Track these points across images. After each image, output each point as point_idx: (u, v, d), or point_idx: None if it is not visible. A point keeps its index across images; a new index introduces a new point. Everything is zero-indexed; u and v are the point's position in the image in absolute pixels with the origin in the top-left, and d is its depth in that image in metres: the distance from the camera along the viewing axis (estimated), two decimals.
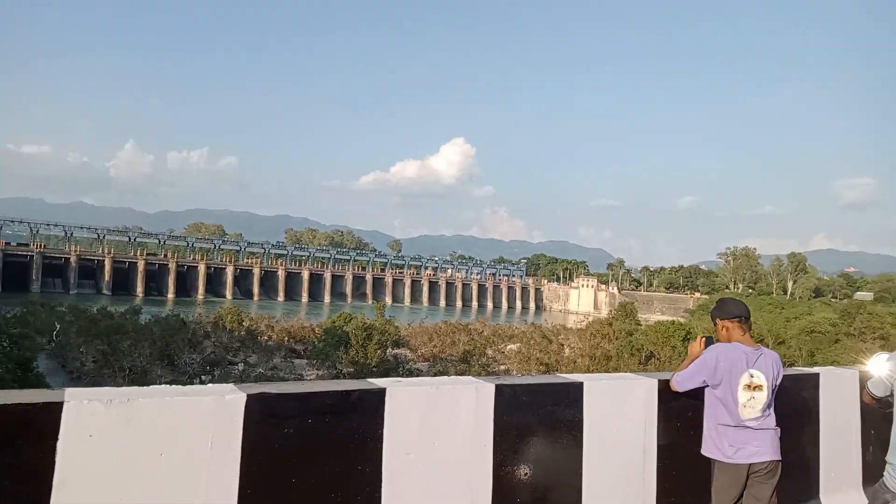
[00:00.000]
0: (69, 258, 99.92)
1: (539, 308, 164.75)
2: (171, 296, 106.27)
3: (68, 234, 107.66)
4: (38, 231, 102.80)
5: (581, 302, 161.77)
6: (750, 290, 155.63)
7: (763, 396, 3.94)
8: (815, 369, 5.86)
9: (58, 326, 43.08)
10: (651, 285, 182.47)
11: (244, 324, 52.23)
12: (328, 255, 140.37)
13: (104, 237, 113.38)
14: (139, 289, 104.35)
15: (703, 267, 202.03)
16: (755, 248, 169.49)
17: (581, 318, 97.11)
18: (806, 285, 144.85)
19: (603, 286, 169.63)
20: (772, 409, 4.05)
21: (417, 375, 43.12)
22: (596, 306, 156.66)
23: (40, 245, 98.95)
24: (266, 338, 51.41)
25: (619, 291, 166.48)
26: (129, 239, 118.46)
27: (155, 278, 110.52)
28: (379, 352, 40.29)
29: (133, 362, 37.18)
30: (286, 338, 51.43)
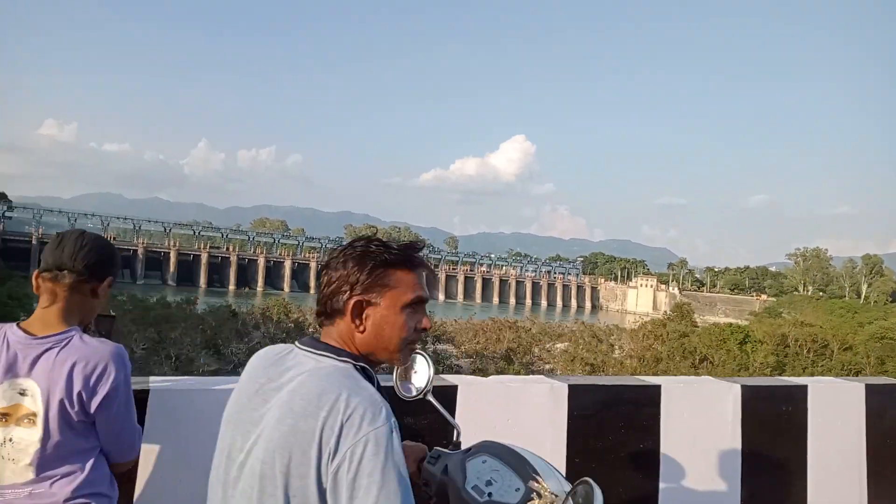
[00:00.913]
0: (136, 250, 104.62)
1: (595, 307, 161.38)
2: (231, 287, 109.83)
3: (137, 228, 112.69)
4: (108, 224, 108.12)
5: (639, 302, 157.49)
6: (820, 293, 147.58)
7: (32, 437, 1.92)
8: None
9: (113, 314, 44.81)
10: (714, 286, 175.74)
11: (291, 315, 53.10)
12: None
13: (171, 230, 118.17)
14: (202, 280, 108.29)
15: (772, 268, 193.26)
16: (826, 249, 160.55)
17: (638, 318, 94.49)
18: (882, 289, 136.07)
19: (663, 286, 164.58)
20: (72, 468, 2.00)
21: (457, 372, 42.72)
22: (655, 307, 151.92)
23: (110, 237, 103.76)
24: (312, 330, 52.14)
25: (680, 292, 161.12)
26: (194, 232, 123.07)
27: (217, 270, 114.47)
28: (420, 346, 40.08)
29: (180, 350, 38.42)
30: None
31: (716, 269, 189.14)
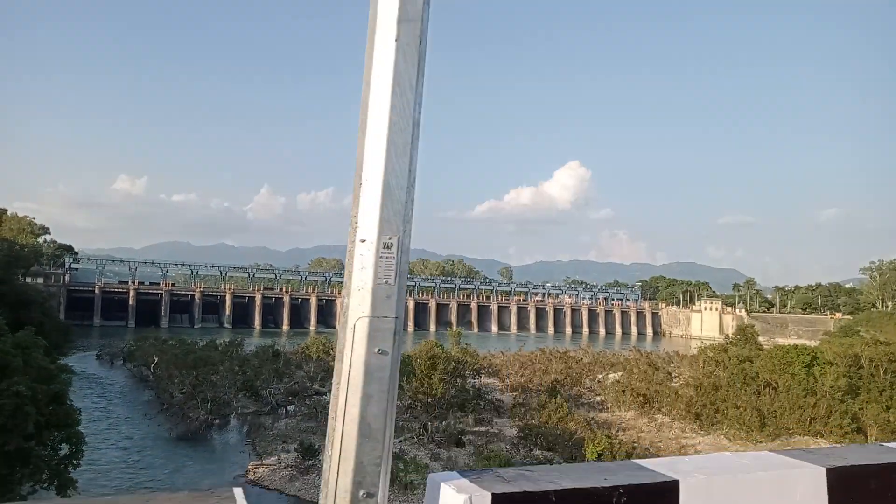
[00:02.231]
0: (194, 295, 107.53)
1: (657, 334, 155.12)
2: (285, 327, 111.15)
3: (195, 273, 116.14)
4: (167, 270, 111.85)
5: (704, 326, 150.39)
6: None
7: None
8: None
9: (156, 359, 45.41)
10: (784, 306, 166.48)
11: (331, 353, 52.68)
12: (433, 284, 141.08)
13: (227, 274, 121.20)
14: (257, 321, 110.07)
15: (847, 284, 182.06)
16: None
17: (703, 344, 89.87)
18: None
19: (729, 309, 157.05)
20: None
21: (497, 407, 40.90)
22: (722, 331, 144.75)
23: (169, 284, 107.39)
24: None
25: (748, 314, 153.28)
26: (249, 275, 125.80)
27: (271, 311, 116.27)
28: (458, 381, 38.60)
29: (217, 394, 38.25)
30: None
31: (786, 289, 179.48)
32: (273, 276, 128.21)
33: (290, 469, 25.98)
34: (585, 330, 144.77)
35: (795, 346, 48.13)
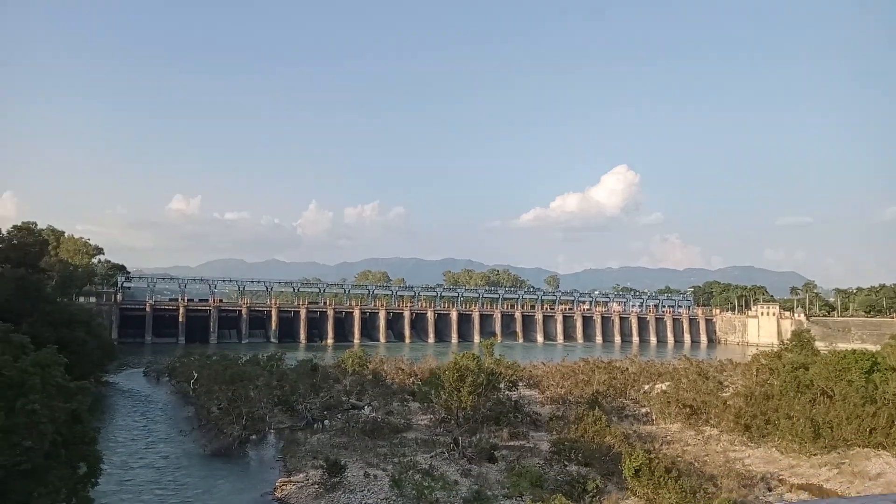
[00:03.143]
0: (241, 311, 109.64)
1: (712, 341, 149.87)
2: (330, 341, 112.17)
3: (241, 289, 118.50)
4: (215, 287, 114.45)
5: (761, 332, 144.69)
6: None
7: None
8: None
9: (195, 375, 45.97)
10: (846, 309, 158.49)
11: (369, 366, 52.41)
12: (476, 295, 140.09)
13: (272, 289, 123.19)
14: (302, 335, 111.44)
15: None
16: None
17: (760, 351, 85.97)
18: None
19: (787, 313, 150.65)
20: None
21: (535, 420, 39.64)
22: (780, 336, 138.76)
23: (217, 300, 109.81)
24: (391, 380, 50.98)
25: (808, 318, 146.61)
26: (294, 289, 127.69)
27: (316, 325, 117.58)
28: (492, 393, 37.60)
29: (252, 409, 38.31)
30: (410, 379, 50.48)
31: (847, 291, 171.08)
32: (318, 290, 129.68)
33: (316, 486, 25.52)
34: (635, 339, 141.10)
35: (854, 351, 45.13)
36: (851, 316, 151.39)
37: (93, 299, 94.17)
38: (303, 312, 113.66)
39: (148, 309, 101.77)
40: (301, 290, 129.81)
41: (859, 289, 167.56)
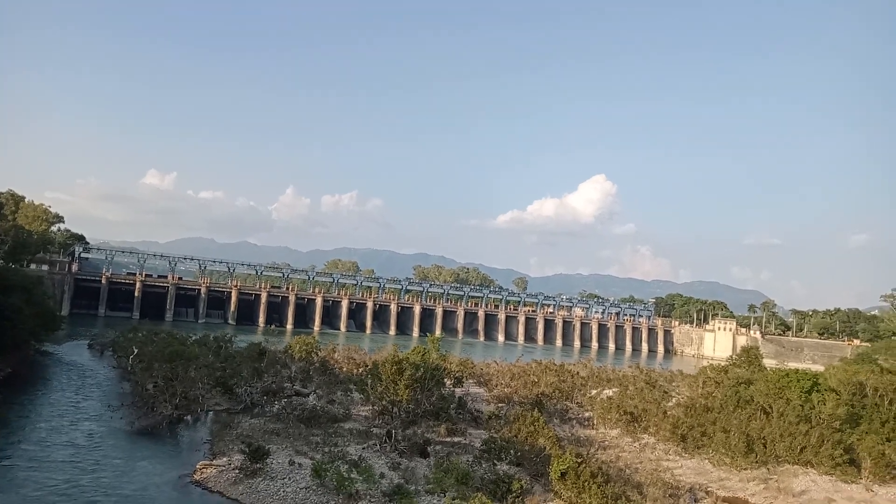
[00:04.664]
0: (200, 290, 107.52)
1: (668, 352, 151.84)
2: (289, 326, 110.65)
3: (202, 268, 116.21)
4: (176, 264, 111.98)
5: (717, 346, 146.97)
6: None
7: None
8: None
9: (135, 350, 44.71)
10: (801, 330, 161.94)
11: (318, 354, 51.61)
12: (442, 291, 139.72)
13: (233, 271, 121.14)
14: (261, 319, 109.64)
15: (874, 311, 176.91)
16: None
17: (711, 364, 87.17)
18: None
19: (743, 329, 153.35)
20: None
21: (476, 418, 39.40)
22: (734, 351, 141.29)
23: (176, 278, 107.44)
24: (340, 369, 50.31)
25: (763, 336, 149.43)
26: (256, 272, 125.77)
27: (277, 310, 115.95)
28: (436, 389, 37.18)
29: (188, 388, 37.30)
30: (360, 369, 49.81)
31: (804, 312, 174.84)
32: (281, 274, 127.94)
33: (236, 471, 24.85)
34: (594, 344, 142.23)
35: (796, 371, 45.93)
36: (805, 337, 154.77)
37: (45, 267, 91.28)
38: (263, 296, 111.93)
39: (103, 281, 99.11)
40: (264, 273, 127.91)
41: (815, 311, 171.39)
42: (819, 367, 78.69)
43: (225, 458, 26.72)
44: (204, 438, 32.07)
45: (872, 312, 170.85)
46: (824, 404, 38.90)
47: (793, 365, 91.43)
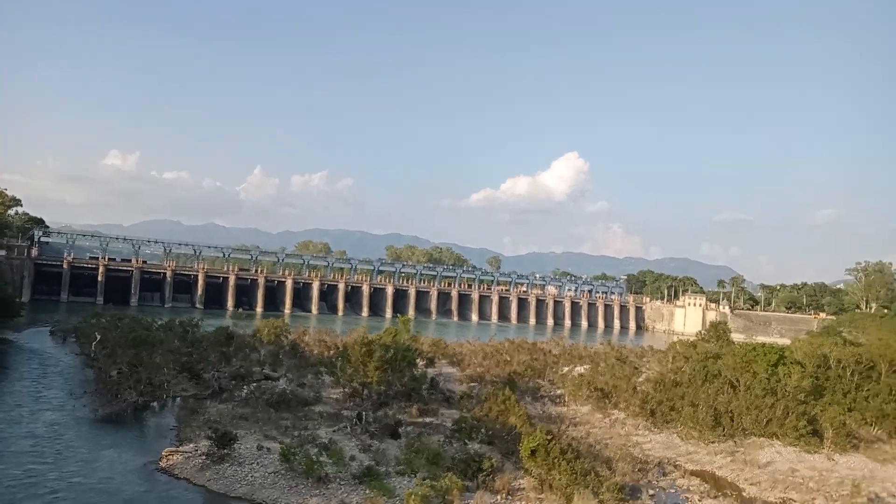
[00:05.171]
0: (165, 273, 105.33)
1: (640, 328, 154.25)
2: (259, 310, 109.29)
3: (167, 251, 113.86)
4: (139, 248, 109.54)
5: (687, 322, 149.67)
6: (885, 310, 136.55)
7: None
8: None
9: (98, 336, 43.57)
10: (769, 304, 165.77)
11: (288, 337, 50.99)
12: (415, 271, 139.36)
13: (200, 254, 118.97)
14: (229, 302, 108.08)
15: (839, 285, 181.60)
16: (891, 263, 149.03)
17: (687, 340, 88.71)
18: None
19: (713, 305, 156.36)
20: None
21: (448, 398, 39.36)
22: (704, 327, 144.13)
23: (139, 262, 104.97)
24: (311, 352, 49.77)
25: (732, 311, 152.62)
26: (224, 255, 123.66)
27: (246, 293, 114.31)
28: (407, 370, 36.97)
29: (153, 375, 36.43)
30: (331, 352, 49.34)
31: (772, 287, 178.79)
32: (250, 256, 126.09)
33: (203, 457, 24.33)
34: (567, 322, 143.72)
35: (763, 345, 46.81)
36: (773, 311, 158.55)
37: (3, 252, 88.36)
38: (232, 279, 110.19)
39: (65, 266, 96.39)
40: (232, 256, 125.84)
41: (783, 285, 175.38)
42: (786, 341, 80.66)
43: (192, 445, 26.15)
44: (170, 425, 31.38)
45: (838, 286, 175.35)
46: (790, 377, 39.72)
47: (760, 339, 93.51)
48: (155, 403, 35.10)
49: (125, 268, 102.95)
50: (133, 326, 46.30)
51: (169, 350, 40.47)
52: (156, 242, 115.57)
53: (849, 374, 42.58)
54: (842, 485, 26.82)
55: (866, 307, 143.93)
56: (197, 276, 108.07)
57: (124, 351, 39.37)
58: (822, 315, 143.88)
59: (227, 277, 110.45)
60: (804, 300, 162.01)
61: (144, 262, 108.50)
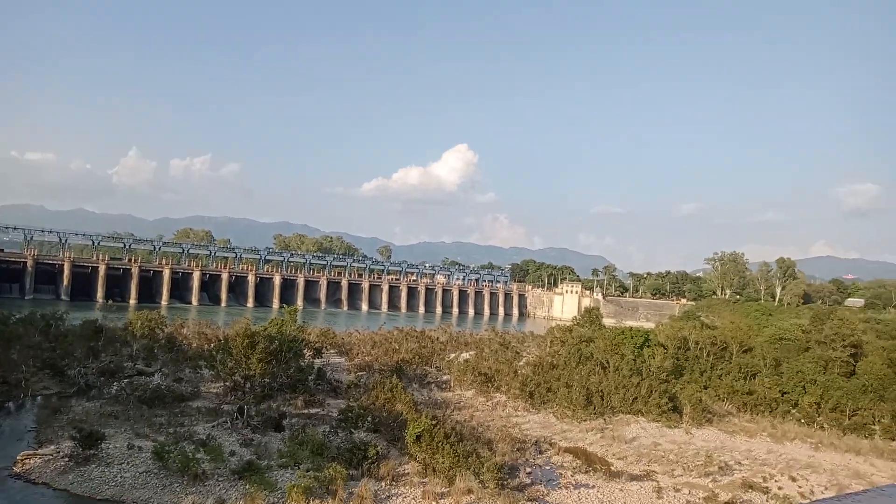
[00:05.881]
0: (26, 262, 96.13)
1: (523, 315, 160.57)
2: (133, 301, 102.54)
3: (27, 239, 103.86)
4: None
5: (565, 308, 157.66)
6: (737, 297, 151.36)
7: None
8: None
9: None
10: (637, 291, 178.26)
11: (164, 330, 48.41)
12: (303, 261, 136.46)
13: (66, 241, 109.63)
14: (99, 294, 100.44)
15: (698, 273, 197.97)
16: (743, 254, 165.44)
17: (564, 325, 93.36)
18: (794, 291, 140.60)
19: (588, 292, 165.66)
20: None
21: (335, 388, 39.24)
22: (579, 312, 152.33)
23: None
24: (189, 345, 47.58)
25: (605, 297, 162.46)
26: (93, 243, 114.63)
27: (118, 283, 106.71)
28: (293, 361, 36.32)
29: (8, 374, 33.42)
30: (211, 345, 47.37)
31: (640, 275, 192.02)
32: (122, 245, 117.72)
33: (66, 459, 22.76)
34: (455, 310, 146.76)
35: (631, 329, 50.55)
36: (641, 297, 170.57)
37: None
38: (102, 268, 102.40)
39: None
40: (103, 244, 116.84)
41: (649, 274, 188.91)
42: (651, 325, 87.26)
43: (52, 447, 24.34)
44: (28, 426, 28.98)
45: (697, 274, 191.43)
46: (654, 358, 43.19)
47: (629, 323, 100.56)
48: (10, 403, 32.30)
49: None
50: None
51: (28, 346, 37.23)
52: (15, 229, 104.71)
53: (705, 354, 46.93)
54: (697, 455, 29.61)
55: (721, 293, 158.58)
56: (62, 265, 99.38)
57: None
58: (684, 301, 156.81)
59: (97, 267, 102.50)
60: (668, 287, 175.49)
61: (2, 249, 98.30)
